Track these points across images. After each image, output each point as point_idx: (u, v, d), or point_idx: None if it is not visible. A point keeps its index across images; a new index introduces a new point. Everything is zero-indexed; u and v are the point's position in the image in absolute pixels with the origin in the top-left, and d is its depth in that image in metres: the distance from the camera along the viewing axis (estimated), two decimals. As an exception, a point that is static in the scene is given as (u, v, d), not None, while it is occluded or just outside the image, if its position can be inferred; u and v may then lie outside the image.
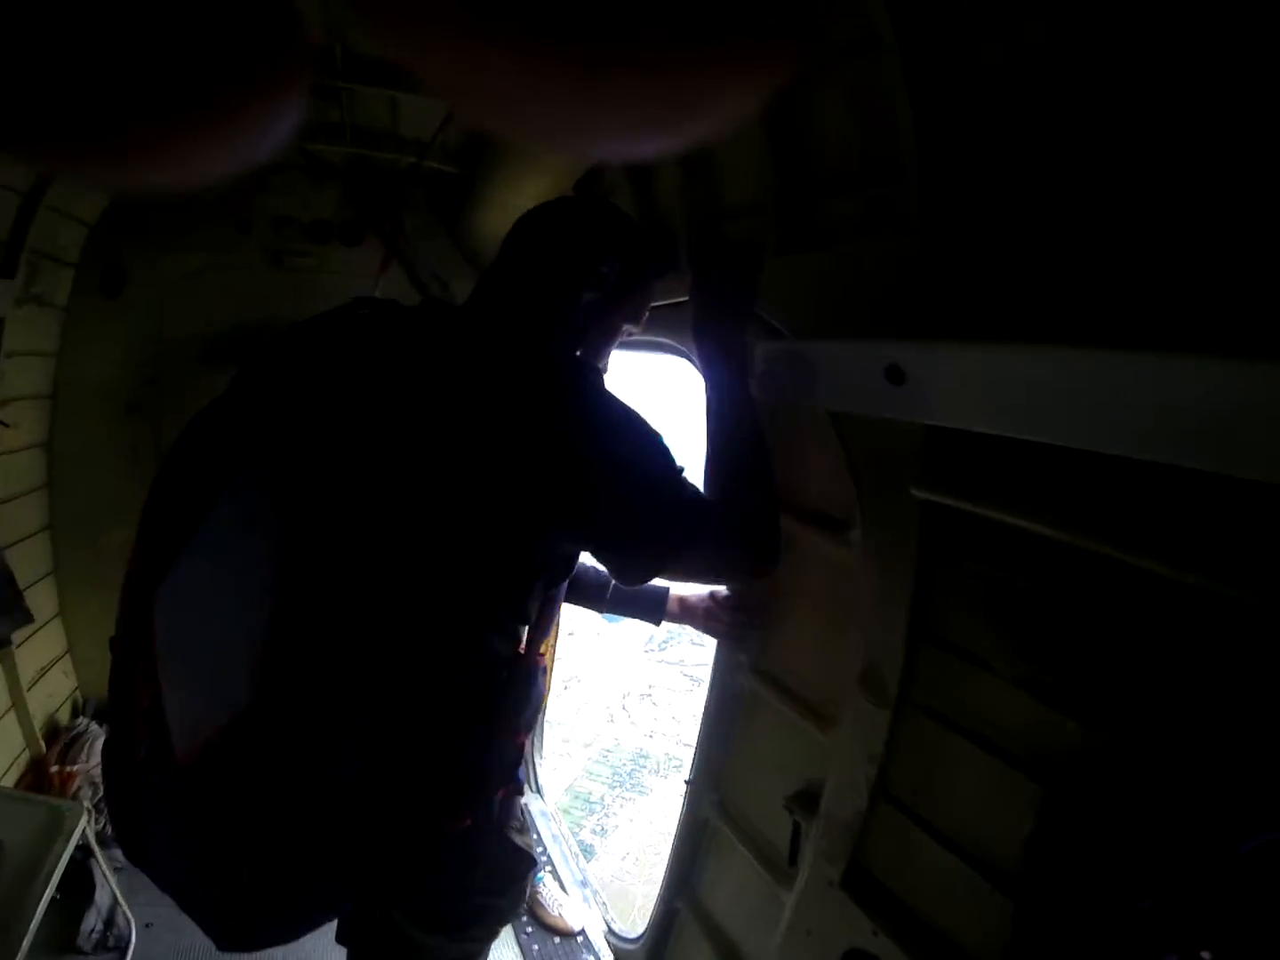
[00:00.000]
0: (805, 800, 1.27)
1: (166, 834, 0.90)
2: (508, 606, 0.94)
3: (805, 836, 1.27)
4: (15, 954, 1.48)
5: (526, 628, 0.99)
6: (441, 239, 2.50)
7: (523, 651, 0.98)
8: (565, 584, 1.04)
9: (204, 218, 2.42)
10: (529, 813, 2.44)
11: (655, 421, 0.96)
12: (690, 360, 1.43)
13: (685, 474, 0.97)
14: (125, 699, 0.92)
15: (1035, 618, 0.92)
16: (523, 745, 1.05)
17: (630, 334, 1.20)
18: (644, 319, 1.21)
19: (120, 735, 0.95)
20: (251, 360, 1.02)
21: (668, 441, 0.96)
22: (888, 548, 1.07)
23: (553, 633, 1.20)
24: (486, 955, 1.21)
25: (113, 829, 0.97)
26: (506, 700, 0.97)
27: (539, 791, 2.61)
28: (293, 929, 0.93)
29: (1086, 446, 0.71)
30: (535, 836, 2.40)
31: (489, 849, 1.03)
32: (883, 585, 1.08)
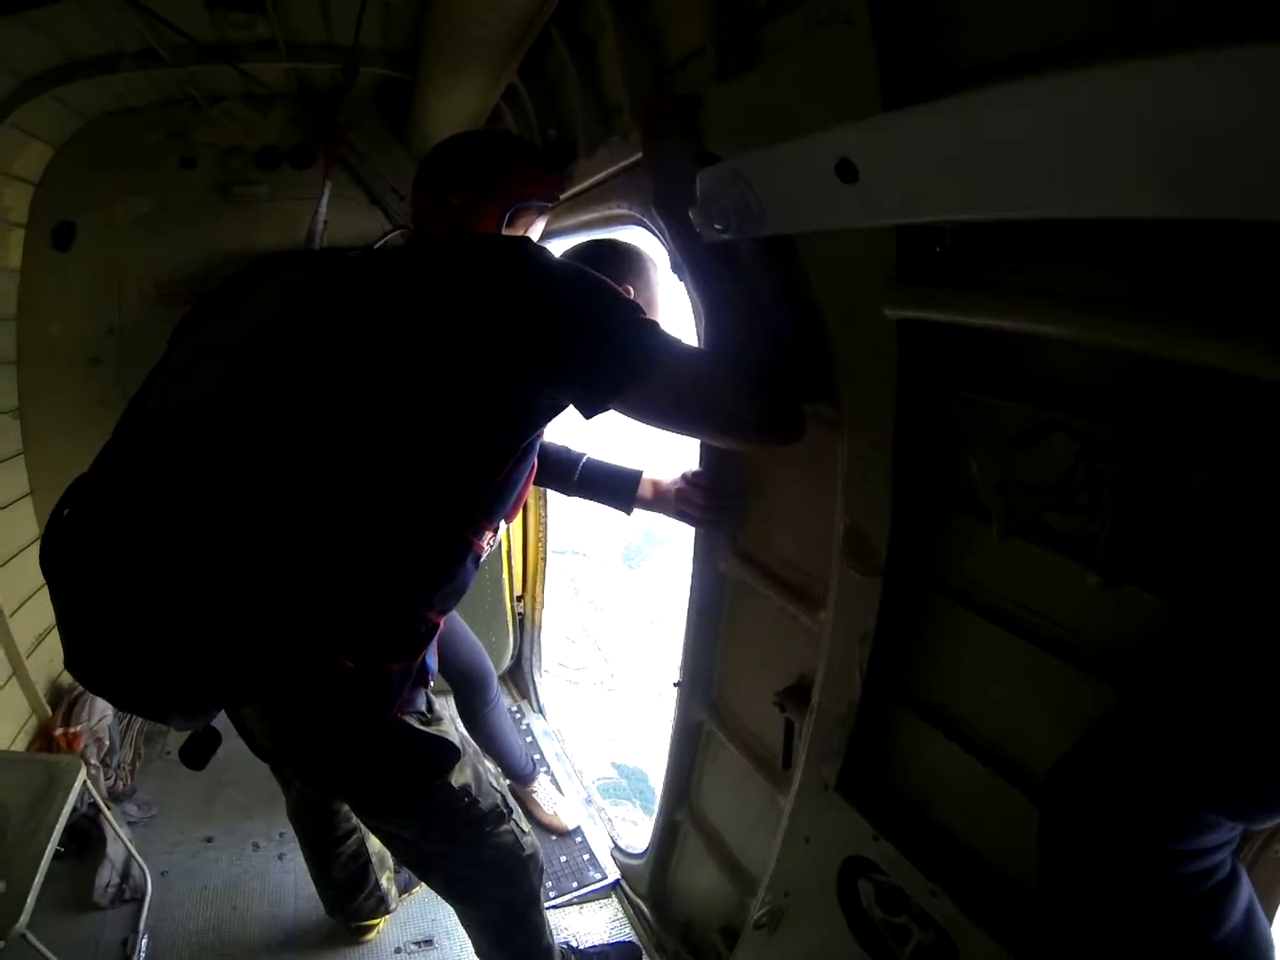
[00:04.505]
0: (797, 695, 1.17)
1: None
2: (457, 471, 0.93)
3: (798, 735, 1.16)
4: (21, 911, 1.46)
5: (473, 503, 0.97)
6: (397, 152, 2.37)
7: (462, 528, 0.98)
8: (521, 470, 1.01)
9: (147, 160, 2.32)
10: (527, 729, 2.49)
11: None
12: (651, 229, 1.29)
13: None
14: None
15: (1050, 451, 0.76)
16: (434, 624, 1.03)
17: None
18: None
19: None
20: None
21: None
22: (865, 384, 0.92)
23: (503, 530, 1.10)
24: (465, 871, 1.29)
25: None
26: (427, 567, 0.98)
27: (541, 711, 2.59)
28: (147, 687, 0.93)
29: (1089, 213, 0.56)
30: (539, 755, 2.39)
31: (387, 730, 1.04)
32: (861, 428, 0.94)
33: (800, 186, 0.82)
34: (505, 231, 1.21)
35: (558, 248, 1.36)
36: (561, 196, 1.58)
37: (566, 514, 2.67)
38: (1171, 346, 0.59)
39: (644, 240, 1.36)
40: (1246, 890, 0.64)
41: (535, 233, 1.29)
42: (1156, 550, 0.69)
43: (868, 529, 0.94)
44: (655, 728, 2.39)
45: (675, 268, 1.13)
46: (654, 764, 2.18)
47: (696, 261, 1.02)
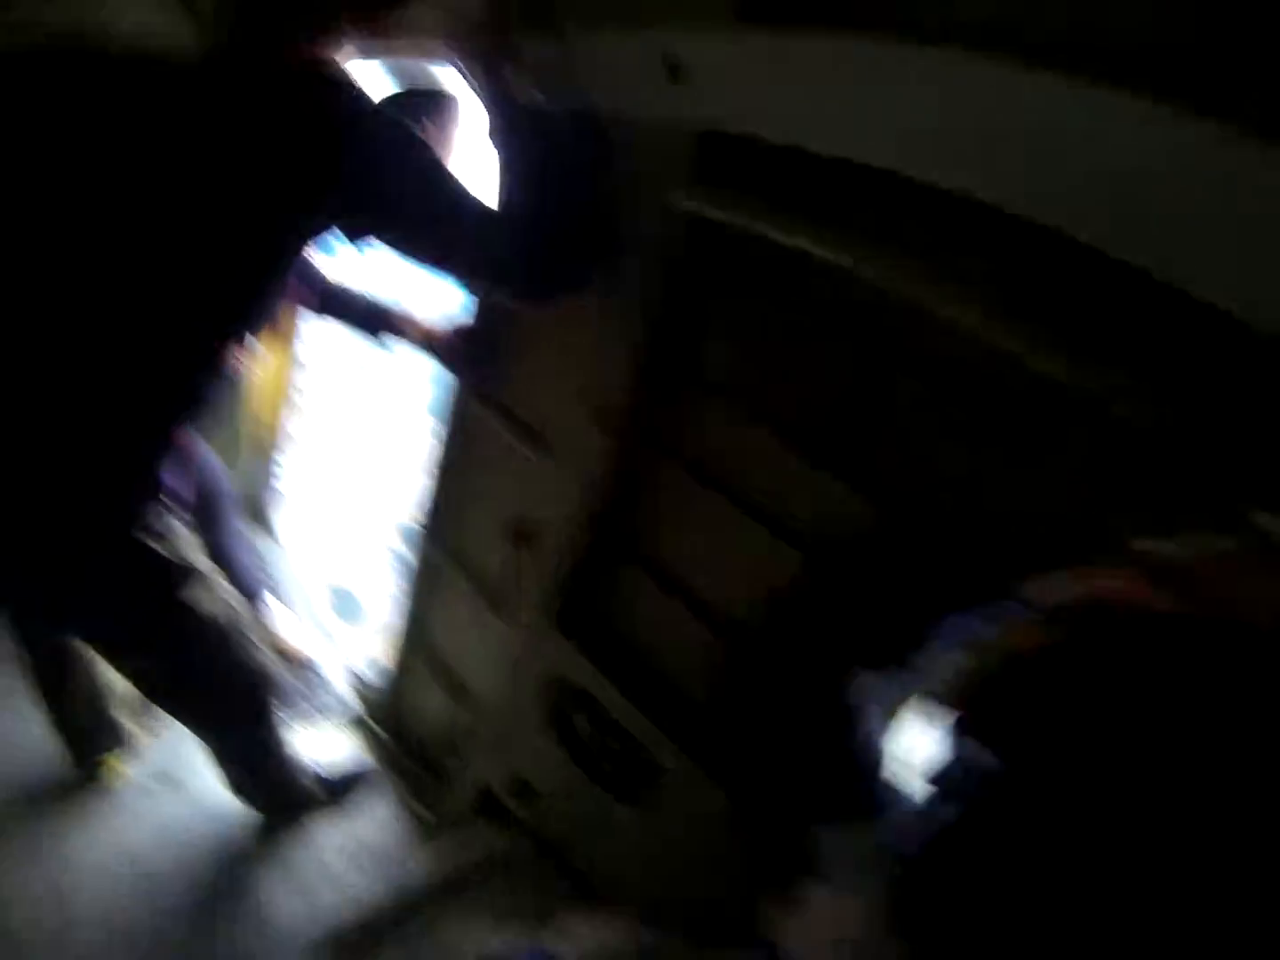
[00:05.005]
0: (528, 537, 1.28)
1: None
2: (212, 284, 0.91)
3: (522, 571, 1.29)
4: None
5: (227, 318, 0.95)
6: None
7: (211, 343, 0.96)
8: (276, 289, 0.98)
9: None
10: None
11: None
12: (466, 77, 1.20)
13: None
14: None
15: (796, 352, 0.92)
16: (179, 445, 1.01)
17: None
18: None
19: None
20: None
21: None
22: (642, 265, 1.00)
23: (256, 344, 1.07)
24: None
25: None
26: (175, 381, 0.96)
27: (275, 536, 2.51)
28: None
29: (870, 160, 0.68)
30: (274, 582, 2.24)
31: (123, 547, 1.01)
32: (626, 303, 1.03)
33: (628, 75, 0.87)
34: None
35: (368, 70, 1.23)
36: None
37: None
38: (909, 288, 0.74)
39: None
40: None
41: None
42: (858, 447, 0.88)
43: (613, 394, 1.05)
44: (363, 548, 2.32)
45: (488, 130, 1.09)
46: (361, 583, 2.18)
47: (506, 120, 1.00)
